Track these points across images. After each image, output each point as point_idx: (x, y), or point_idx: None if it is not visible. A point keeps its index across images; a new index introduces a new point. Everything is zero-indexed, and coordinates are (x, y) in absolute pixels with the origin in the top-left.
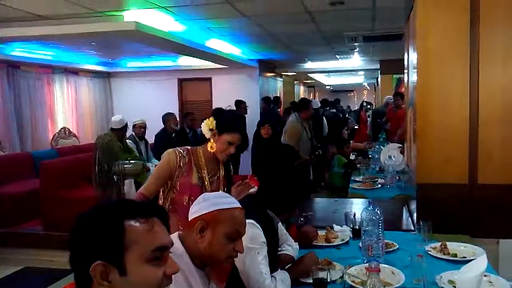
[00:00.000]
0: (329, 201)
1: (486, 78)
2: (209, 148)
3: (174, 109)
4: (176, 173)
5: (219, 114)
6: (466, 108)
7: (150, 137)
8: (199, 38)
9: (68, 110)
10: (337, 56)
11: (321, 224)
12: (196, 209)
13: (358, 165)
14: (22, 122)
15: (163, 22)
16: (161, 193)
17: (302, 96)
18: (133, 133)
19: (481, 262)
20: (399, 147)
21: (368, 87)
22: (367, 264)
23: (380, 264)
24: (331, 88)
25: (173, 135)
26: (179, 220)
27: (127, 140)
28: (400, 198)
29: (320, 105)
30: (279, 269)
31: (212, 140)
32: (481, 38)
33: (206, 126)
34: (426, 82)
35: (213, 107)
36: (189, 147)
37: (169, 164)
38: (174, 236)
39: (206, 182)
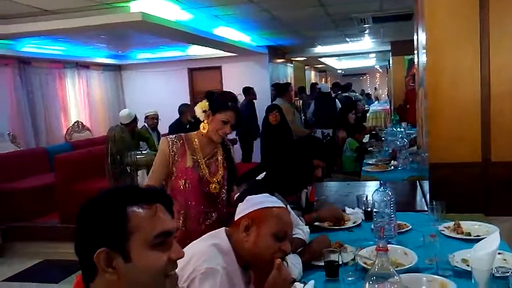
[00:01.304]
0: (341, 184)
1: (496, 56)
2: (201, 129)
3: (185, 99)
4: (171, 159)
5: (211, 95)
6: (477, 86)
7: (162, 128)
8: (207, 26)
9: (80, 103)
10: (347, 39)
11: None
12: (241, 209)
13: (370, 148)
14: (36, 117)
15: (170, 12)
16: (165, 181)
17: (312, 81)
18: (146, 125)
19: (494, 239)
20: None
21: (380, 70)
22: None
23: (392, 245)
24: (343, 72)
25: (188, 126)
26: (178, 205)
27: (142, 128)
28: (413, 179)
29: (329, 89)
30: (291, 253)
31: (205, 121)
32: (490, 15)
33: (200, 109)
34: (436, 61)
35: None
36: (183, 134)
37: (162, 151)
38: (222, 231)
39: (201, 165)
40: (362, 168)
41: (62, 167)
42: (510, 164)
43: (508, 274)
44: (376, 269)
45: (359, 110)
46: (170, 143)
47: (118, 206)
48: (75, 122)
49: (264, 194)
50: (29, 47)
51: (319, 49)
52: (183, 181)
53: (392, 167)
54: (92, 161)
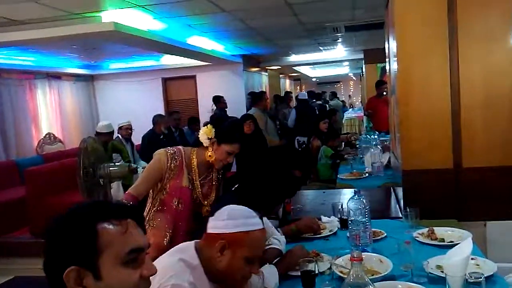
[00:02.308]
0: (317, 192)
1: (466, 63)
2: (207, 158)
3: (160, 109)
4: (166, 175)
5: (218, 122)
6: (448, 94)
7: (136, 139)
8: (180, 36)
9: (52, 115)
10: (320, 47)
11: None
12: (219, 225)
13: (345, 156)
14: (5, 129)
15: (143, 21)
16: (151, 192)
17: (287, 89)
18: (119, 135)
19: (466, 245)
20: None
21: (354, 78)
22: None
23: (368, 253)
24: (317, 80)
25: (161, 136)
26: (166, 222)
27: (116, 139)
28: (387, 186)
29: (306, 96)
30: (267, 264)
31: (210, 149)
32: (459, 22)
33: (205, 135)
34: (407, 69)
35: (199, 105)
36: (181, 148)
37: (160, 165)
38: (191, 246)
39: (197, 186)
40: (338, 175)
41: (33, 180)
42: (481, 169)
43: (481, 279)
44: (351, 279)
45: (334, 120)
46: (170, 158)
47: (88, 222)
48: (46, 134)
49: (246, 209)
50: None
51: (293, 58)
52: (176, 200)
53: (367, 174)
54: (64, 173)
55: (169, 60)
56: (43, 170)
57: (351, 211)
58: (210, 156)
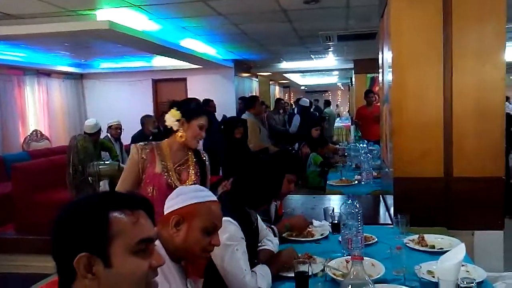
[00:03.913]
0: (307, 198)
1: (459, 75)
2: (178, 139)
3: (149, 110)
4: (141, 165)
5: (180, 104)
6: (440, 105)
7: (124, 139)
8: (174, 38)
9: (39, 112)
10: (311, 55)
11: None
12: (171, 204)
13: (334, 164)
14: None
15: (137, 21)
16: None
17: (277, 96)
18: (108, 135)
19: (459, 251)
20: None
21: (342, 87)
22: (347, 257)
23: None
24: (306, 88)
25: (151, 137)
26: None
27: (105, 138)
28: (376, 194)
29: (308, 103)
30: (260, 264)
31: (181, 130)
32: (453, 36)
33: (173, 118)
34: (401, 80)
35: None
36: (153, 142)
37: (134, 158)
38: None
39: (171, 172)
40: (327, 182)
41: (20, 177)
42: (471, 179)
43: (473, 284)
44: (351, 278)
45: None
46: (140, 149)
47: (100, 210)
48: (33, 131)
49: (195, 186)
50: None
51: (284, 65)
52: (151, 187)
53: (356, 181)
54: (51, 171)
55: (160, 62)
56: (30, 166)
57: (343, 215)
58: (181, 137)
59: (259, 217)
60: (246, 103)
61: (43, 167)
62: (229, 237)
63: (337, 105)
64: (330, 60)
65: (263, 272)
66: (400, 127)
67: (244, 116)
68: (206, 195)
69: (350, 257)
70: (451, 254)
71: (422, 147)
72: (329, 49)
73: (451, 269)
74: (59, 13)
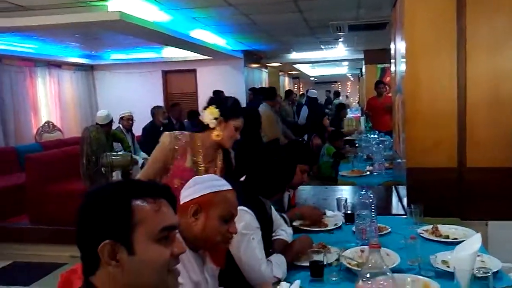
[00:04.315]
0: (319, 188)
1: (473, 65)
2: (214, 137)
3: (159, 101)
4: (171, 155)
5: (219, 102)
6: (454, 94)
7: (135, 130)
8: (184, 28)
9: (51, 103)
10: (321, 46)
11: None
12: (189, 193)
13: (346, 155)
14: (5, 116)
15: (148, 12)
16: (159, 177)
17: (285, 87)
18: (120, 126)
19: (475, 241)
20: None
21: (351, 78)
22: (361, 247)
23: None
24: (316, 79)
25: (161, 128)
26: None
27: (117, 129)
28: (388, 184)
29: (316, 94)
30: (275, 253)
31: (218, 129)
32: (467, 25)
33: (211, 115)
34: (414, 70)
35: (199, 99)
36: (186, 132)
37: (164, 146)
38: None
39: (200, 168)
40: (339, 173)
41: (33, 167)
42: (484, 169)
43: (489, 274)
44: (369, 266)
45: (344, 115)
46: (174, 138)
47: (123, 198)
48: (45, 122)
49: (211, 176)
50: None
51: (294, 55)
52: (177, 180)
53: (368, 172)
54: (64, 162)
55: (170, 53)
56: (43, 157)
57: (357, 206)
58: (218, 135)
59: (273, 207)
60: (266, 94)
61: (55, 158)
62: (244, 226)
63: (346, 96)
64: (340, 50)
65: (279, 261)
66: (413, 117)
67: (261, 107)
68: (222, 184)
69: (364, 246)
70: (467, 244)
71: (435, 137)
72: (339, 39)
73: (467, 259)
74: (71, 4)
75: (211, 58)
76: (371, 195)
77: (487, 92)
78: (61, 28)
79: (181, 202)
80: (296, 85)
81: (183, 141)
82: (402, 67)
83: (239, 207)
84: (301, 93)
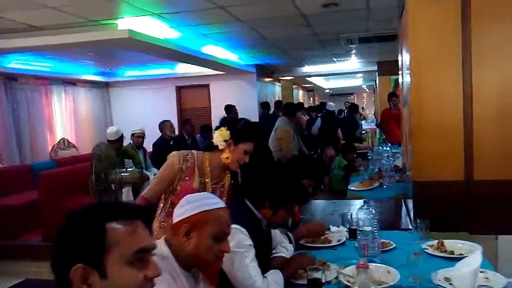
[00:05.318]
0: (327, 202)
1: (479, 76)
2: (223, 160)
3: (173, 117)
4: (178, 176)
5: (232, 123)
6: (460, 106)
7: (149, 146)
8: (195, 45)
9: (66, 121)
10: (334, 59)
11: None
12: (181, 212)
13: (357, 167)
14: (21, 134)
15: (158, 29)
16: (163, 195)
17: (300, 100)
18: (131, 142)
19: (475, 257)
20: None
21: (367, 90)
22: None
23: (375, 264)
24: (331, 91)
25: (171, 142)
26: None
27: (128, 145)
28: (398, 198)
29: (334, 108)
30: (272, 269)
31: (227, 151)
32: (472, 36)
33: (221, 137)
34: (419, 81)
35: (212, 114)
36: (194, 151)
37: (172, 166)
38: (161, 240)
39: (208, 189)
40: (348, 186)
41: (46, 184)
42: (492, 182)
43: None
44: (357, 287)
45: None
46: (182, 159)
47: (97, 221)
48: (60, 139)
49: (203, 194)
50: (15, 63)
51: (306, 69)
52: None
53: (377, 184)
54: (76, 178)
55: (184, 69)
56: (56, 174)
57: (360, 221)
58: (227, 158)
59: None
60: (287, 108)
61: (67, 175)
62: (237, 244)
63: (362, 108)
64: (353, 62)
65: (275, 277)
66: (419, 129)
67: (278, 122)
68: (214, 202)
69: None
70: (468, 261)
71: (442, 149)
72: (352, 52)
73: (467, 276)
74: (82, 23)
75: (223, 73)
76: (373, 210)
77: (495, 101)
78: (72, 47)
79: (174, 221)
80: (311, 98)
81: (191, 162)
82: (407, 78)
83: (232, 226)
84: (315, 105)
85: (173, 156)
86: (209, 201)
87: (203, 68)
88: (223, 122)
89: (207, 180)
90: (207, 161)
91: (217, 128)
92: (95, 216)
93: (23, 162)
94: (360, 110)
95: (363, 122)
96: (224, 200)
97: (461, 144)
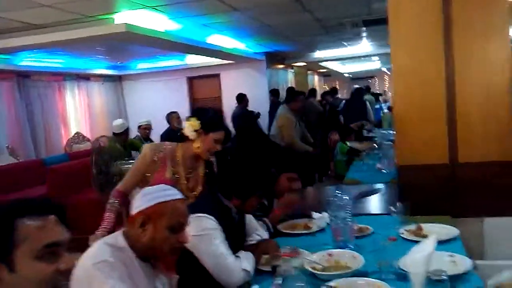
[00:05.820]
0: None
1: (462, 57)
2: (194, 149)
3: (185, 107)
4: (151, 167)
5: (201, 113)
6: (443, 88)
7: (156, 137)
8: (198, 35)
9: (81, 115)
10: (344, 43)
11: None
12: (137, 204)
13: (361, 152)
14: (35, 130)
15: (158, 22)
16: (138, 187)
17: (316, 86)
18: (139, 134)
19: (429, 242)
20: None
21: (388, 72)
22: (330, 251)
23: (342, 249)
24: (351, 75)
25: (179, 133)
26: None
27: (135, 138)
28: (394, 182)
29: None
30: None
31: (198, 141)
32: (454, 17)
33: (191, 127)
34: (401, 65)
35: (223, 103)
36: (168, 143)
37: (145, 158)
38: (119, 232)
39: (181, 179)
40: (348, 171)
41: (55, 178)
42: (477, 164)
43: (444, 277)
44: (281, 273)
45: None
46: (154, 150)
47: (6, 217)
48: (75, 134)
49: (160, 186)
50: (27, 61)
51: (318, 54)
52: None
53: (377, 169)
54: (85, 171)
55: (194, 60)
56: (65, 168)
57: (333, 207)
58: (198, 147)
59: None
60: (288, 95)
61: (76, 169)
62: (204, 228)
63: (384, 91)
64: (365, 45)
65: (247, 256)
66: (402, 113)
67: (279, 110)
68: (170, 193)
69: (333, 250)
70: (422, 246)
71: (426, 132)
72: (362, 35)
73: (420, 261)
74: (80, 19)
75: (233, 62)
76: (344, 197)
77: (478, 83)
78: (70, 43)
79: (131, 214)
80: (327, 83)
81: (163, 153)
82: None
83: (197, 215)
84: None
85: (146, 148)
86: (165, 193)
87: (213, 58)
88: (193, 113)
89: (180, 169)
90: (179, 151)
91: (187, 118)
92: (5, 212)
93: (39, 157)
94: (382, 93)
95: (382, 105)
96: (199, 190)
97: (444, 126)
